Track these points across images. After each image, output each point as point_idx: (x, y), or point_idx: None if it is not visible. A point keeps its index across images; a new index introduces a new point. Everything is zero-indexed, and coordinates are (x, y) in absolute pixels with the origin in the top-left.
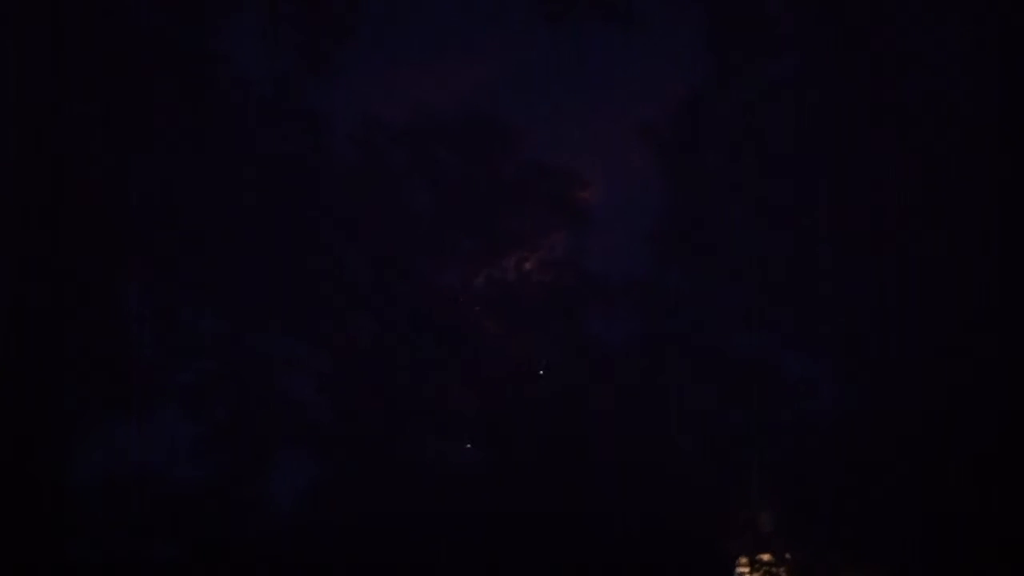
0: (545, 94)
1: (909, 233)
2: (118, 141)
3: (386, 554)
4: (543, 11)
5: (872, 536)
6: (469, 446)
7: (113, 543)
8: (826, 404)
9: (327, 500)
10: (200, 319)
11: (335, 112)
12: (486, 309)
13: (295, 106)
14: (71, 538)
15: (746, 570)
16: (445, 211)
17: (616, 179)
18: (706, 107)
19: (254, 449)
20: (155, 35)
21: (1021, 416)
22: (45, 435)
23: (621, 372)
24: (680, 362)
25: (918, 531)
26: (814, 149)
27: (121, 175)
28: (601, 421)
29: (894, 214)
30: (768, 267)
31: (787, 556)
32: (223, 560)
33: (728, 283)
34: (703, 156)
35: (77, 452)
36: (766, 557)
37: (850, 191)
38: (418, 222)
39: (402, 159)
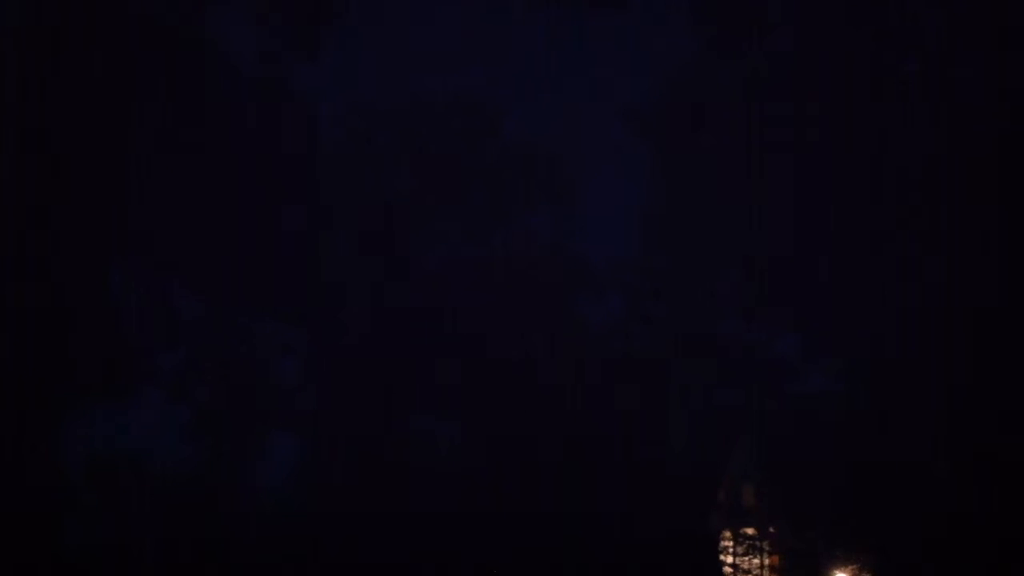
0: (533, 77)
1: (907, 221)
2: (109, 128)
3: (371, 539)
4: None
5: (858, 515)
6: None
7: (105, 524)
8: (816, 389)
9: (312, 485)
10: (189, 304)
11: (323, 96)
12: (472, 290)
13: (284, 91)
14: (64, 520)
15: (731, 544)
16: (432, 193)
17: (604, 162)
18: (696, 91)
19: (241, 433)
20: (149, 24)
21: (1020, 415)
22: (35, 420)
23: (608, 354)
24: (670, 346)
25: (904, 511)
26: (807, 134)
27: (112, 163)
28: (588, 404)
29: (892, 204)
30: (760, 253)
31: (770, 530)
32: (209, 541)
33: (718, 268)
34: (693, 140)
35: (67, 437)
36: (750, 531)
37: (845, 177)
38: (406, 204)
39: (390, 142)
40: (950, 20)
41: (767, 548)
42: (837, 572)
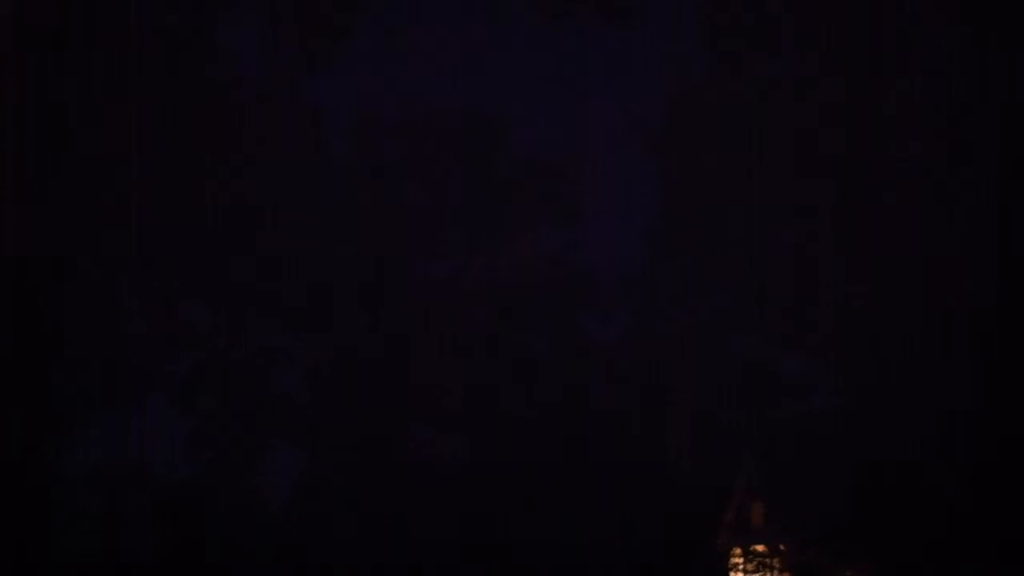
0: (541, 91)
1: (908, 232)
2: (114, 136)
3: (375, 549)
4: (543, 10)
5: (866, 532)
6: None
7: (107, 533)
8: (821, 403)
9: (316, 494)
10: (194, 313)
11: (332, 108)
12: (480, 303)
13: (293, 102)
14: (66, 529)
15: (740, 561)
16: (439, 206)
17: (611, 176)
18: (704, 106)
19: (244, 442)
20: (155, 32)
21: (1018, 416)
22: (41, 428)
23: (614, 368)
24: (674, 359)
25: (911, 527)
26: (812, 148)
27: (117, 170)
28: (595, 418)
29: (893, 213)
30: (764, 265)
31: (780, 547)
32: (212, 550)
33: (724, 281)
34: (699, 154)
35: (72, 445)
36: (760, 548)
37: (848, 190)
38: (413, 217)
39: (398, 155)
40: (957, 41)
41: (777, 565)
42: None
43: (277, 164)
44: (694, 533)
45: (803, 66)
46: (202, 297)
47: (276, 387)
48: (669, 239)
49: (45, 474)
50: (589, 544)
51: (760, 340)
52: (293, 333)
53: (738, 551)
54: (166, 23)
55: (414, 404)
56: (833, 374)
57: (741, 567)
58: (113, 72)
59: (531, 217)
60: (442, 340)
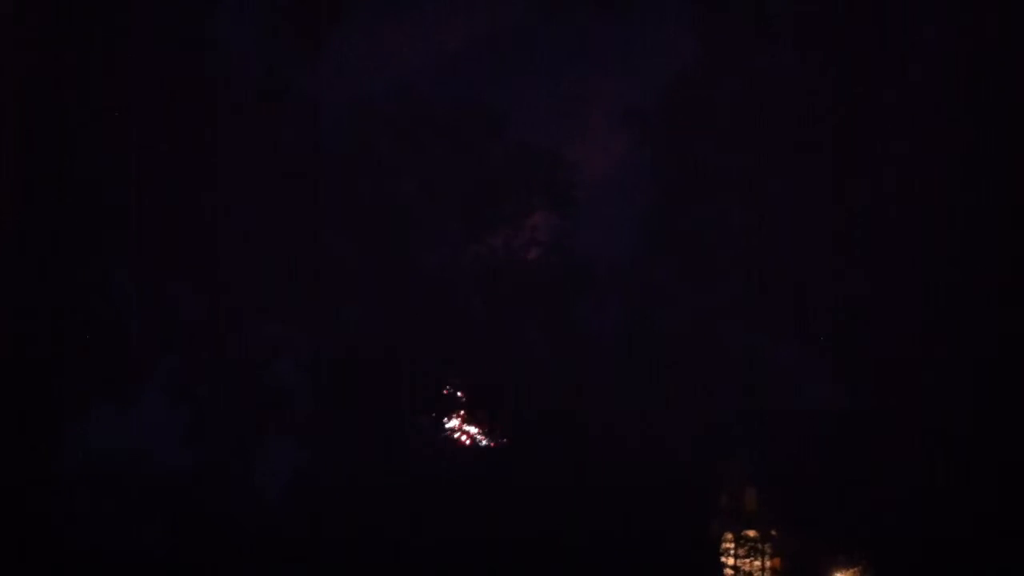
0: (535, 81)
1: (906, 226)
2: (110, 129)
3: (375, 548)
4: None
5: (857, 523)
6: None
7: (106, 530)
8: (815, 396)
9: (316, 492)
10: (189, 306)
11: (325, 99)
12: (473, 291)
13: (287, 94)
14: (65, 527)
15: (732, 546)
16: (433, 196)
17: (605, 166)
18: (698, 96)
19: (243, 438)
20: (150, 24)
21: (1016, 414)
22: (40, 425)
23: (607, 359)
24: (666, 348)
25: (908, 523)
26: (807, 139)
27: (113, 164)
28: (588, 405)
29: (891, 209)
30: (759, 258)
31: (772, 533)
32: (208, 543)
33: (717, 272)
34: (693, 144)
35: (71, 440)
36: (751, 534)
37: (845, 182)
38: (407, 206)
39: (391, 145)
40: (952, 29)
41: (768, 551)
42: (838, 575)
43: (272, 155)
44: (693, 529)
45: (803, 65)
46: (201, 295)
47: (275, 383)
48: (664, 229)
49: (45, 471)
50: (589, 543)
51: (756, 331)
52: (293, 330)
53: (730, 536)
54: (162, 17)
55: (414, 404)
56: (833, 373)
57: (732, 552)
58: (111, 67)
59: (526, 207)
60: (442, 338)
